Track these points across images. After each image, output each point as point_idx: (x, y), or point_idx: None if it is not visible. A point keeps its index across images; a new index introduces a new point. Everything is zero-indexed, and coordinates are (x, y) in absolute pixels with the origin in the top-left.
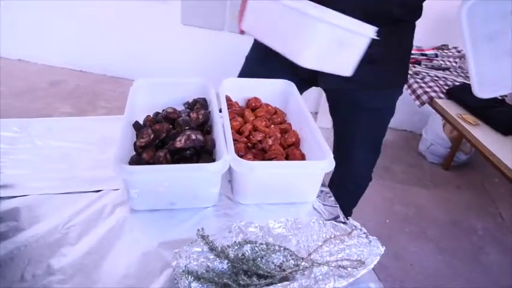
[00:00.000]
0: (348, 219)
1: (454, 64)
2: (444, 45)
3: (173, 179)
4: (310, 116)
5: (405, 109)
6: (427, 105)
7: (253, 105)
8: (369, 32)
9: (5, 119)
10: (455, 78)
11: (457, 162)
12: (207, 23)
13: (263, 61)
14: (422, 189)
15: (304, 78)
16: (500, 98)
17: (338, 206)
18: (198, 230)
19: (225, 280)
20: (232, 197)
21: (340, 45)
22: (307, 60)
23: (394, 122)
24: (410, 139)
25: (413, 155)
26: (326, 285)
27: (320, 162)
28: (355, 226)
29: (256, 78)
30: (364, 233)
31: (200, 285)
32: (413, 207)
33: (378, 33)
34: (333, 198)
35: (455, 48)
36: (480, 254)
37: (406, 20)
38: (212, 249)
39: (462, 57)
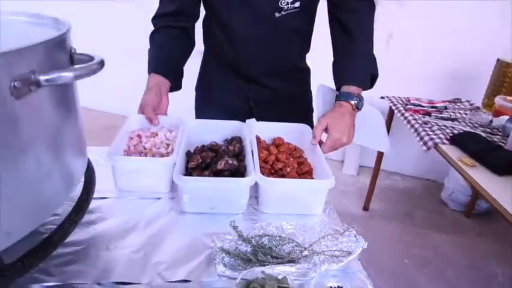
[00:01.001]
0: (343, 224)
1: (464, 115)
2: (457, 98)
3: (214, 189)
4: (319, 149)
5: (427, 159)
6: None
7: (277, 142)
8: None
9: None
10: (462, 127)
11: (478, 210)
12: None
13: None
14: (442, 235)
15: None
16: (497, 144)
17: (339, 219)
18: (231, 221)
19: (248, 255)
20: (258, 208)
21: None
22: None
23: (416, 171)
24: (433, 188)
25: (435, 202)
26: (321, 268)
27: (323, 181)
28: (348, 228)
29: (280, 122)
30: (353, 233)
31: (230, 259)
32: (433, 251)
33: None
34: (336, 215)
35: (468, 101)
36: None
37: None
38: (240, 236)
39: (473, 109)
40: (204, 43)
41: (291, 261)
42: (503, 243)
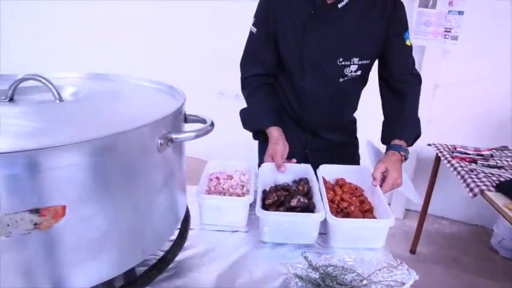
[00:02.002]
0: (396, 260)
1: (511, 163)
2: (504, 146)
3: (290, 222)
4: (379, 190)
5: (475, 204)
6: None
7: (341, 183)
8: None
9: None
10: (509, 175)
11: None
12: None
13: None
14: (491, 281)
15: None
16: None
17: (392, 256)
18: (303, 252)
19: (317, 281)
20: (321, 243)
21: None
22: None
23: (465, 217)
24: (481, 233)
25: (484, 248)
26: None
27: (385, 220)
28: (401, 262)
29: (342, 165)
30: (406, 267)
31: (302, 284)
32: None
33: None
34: (389, 252)
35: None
36: None
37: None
38: (310, 265)
39: None
40: None
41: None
42: None
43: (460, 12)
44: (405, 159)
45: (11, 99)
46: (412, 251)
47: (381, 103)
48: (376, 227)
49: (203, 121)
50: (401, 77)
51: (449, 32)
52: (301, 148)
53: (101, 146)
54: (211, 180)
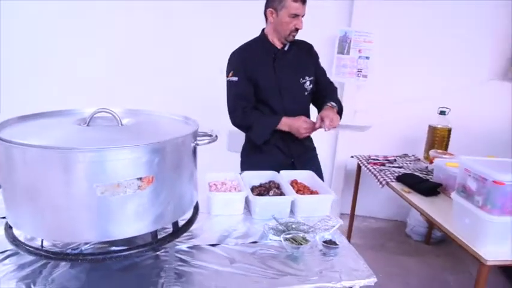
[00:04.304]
0: (330, 217)
1: (409, 165)
2: (405, 154)
3: (272, 203)
4: (322, 183)
5: (394, 205)
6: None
7: (295, 182)
8: None
9: None
10: (405, 171)
11: (435, 238)
12: None
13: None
14: (408, 257)
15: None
16: (426, 178)
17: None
18: (272, 215)
19: (283, 228)
20: (291, 215)
21: None
22: None
23: (387, 215)
24: (399, 225)
25: (402, 236)
26: (321, 233)
27: (327, 195)
28: (336, 219)
29: (294, 171)
30: (335, 218)
31: (273, 231)
32: (401, 269)
33: None
34: (329, 216)
35: (413, 155)
36: None
37: None
38: (277, 221)
39: (416, 160)
40: None
41: (305, 232)
42: (456, 260)
43: (367, 57)
44: (338, 111)
45: (88, 125)
46: None
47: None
48: (323, 199)
49: (210, 135)
50: (325, 86)
51: (361, 72)
52: (289, 159)
53: (158, 147)
54: (211, 186)
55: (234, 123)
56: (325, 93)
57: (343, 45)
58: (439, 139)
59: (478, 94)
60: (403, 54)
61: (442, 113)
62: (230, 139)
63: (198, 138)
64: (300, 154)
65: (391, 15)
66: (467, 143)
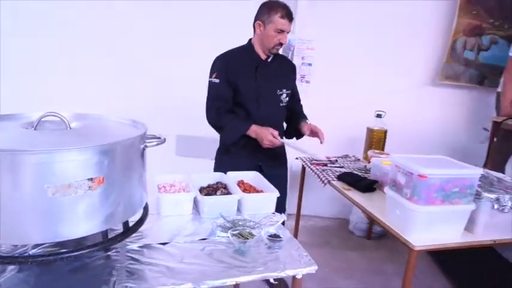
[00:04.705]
0: (275, 214)
1: (350, 164)
2: (346, 155)
3: (220, 201)
4: (267, 182)
5: (338, 204)
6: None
7: (241, 182)
8: None
9: None
10: (345, 170)
11: (376, 234)
12: (197, 153)
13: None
14: (351, 252)
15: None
16: (364, 176)
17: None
18: (220, 213)
19: (230, 225)
20: (238, 212)
21: None
22: None
23: (331, 214)
24: (343, 223)
25: (346, 232)
26: (266, 228)
27: (271, 193)
28: (279, 215)
29: (241, 172)
30: (279, 214)
31: (221, 228)
32: (345, 263)
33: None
34: (273, 213)
35: (354, 156)
36: (388, 286)
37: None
38: (225, 219)
39: (356, 160)
40: None
41: (252, 227)
42: (393, 251)
43: (310, 64)
44: None
45: (35, 129)
46: None
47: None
48: (268, 197)
49: (159, 138)
50: (298, 103)
51: (304, 77)
52: (256, 162)
53: (108, 149)
54: (160, 188)
55: (209, 123)
56: (298, 110)
57: (287, 53)
58: (376, 140)
59: (411, 98)
60: (343, 61)
61: (379, 116)
62: (178, 144)
63: (147, 141)
64: (267, 159)
65: (331, 25)
66: (402, 143)
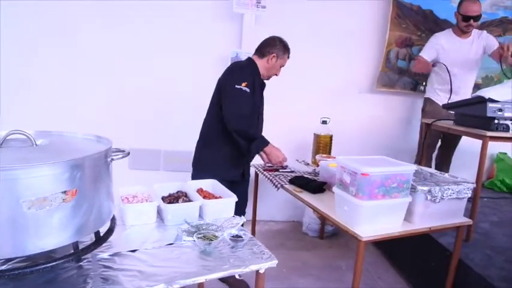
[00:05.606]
0: (234, 217)
1: (300, 169)
2: (296, 159)
3: (182, 208)
4: (224, 188)
5: (291, 207)
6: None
7: (200, 190)
8: None
9: None
10: (296, 174)
11: (328, 233)
12: (148, 166)
13: None
14: (305, 252)
15: None
16: (314, 179)
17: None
18: (185, 219)
19: (194, 230)
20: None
21: None
22: None
23: (285, 218)
24: (297, 225)
25: (299, 233)
26: (228, 230)
27: (230, 198)
28: (240, 218)
29: (201, 180)
30: (239, 217)
31: (186, 233)
32: (301, 263)
33: None
34: (233, 217)
35: (303, 160)
36: (343, 280)
37: None
38: (188, 224)
39: (306, 165)
40: (219, 137)
41: (215, 230)
42: (345, 248)
43: None
44: None
45: (1, 147)
46: None
47: None
48: (227, 202)
49: (123, 151)
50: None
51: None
52: (241, 169)
53: (79, 163)
54: (123, 200)
55: (243, 129)
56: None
57: None
58: (323, 145)
59: (353, 105)
60: (290, 72)
61: (324, 122)
62: (131, 158)
63: (113, 154)
64: (248, 168)
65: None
66: (346, 146)
